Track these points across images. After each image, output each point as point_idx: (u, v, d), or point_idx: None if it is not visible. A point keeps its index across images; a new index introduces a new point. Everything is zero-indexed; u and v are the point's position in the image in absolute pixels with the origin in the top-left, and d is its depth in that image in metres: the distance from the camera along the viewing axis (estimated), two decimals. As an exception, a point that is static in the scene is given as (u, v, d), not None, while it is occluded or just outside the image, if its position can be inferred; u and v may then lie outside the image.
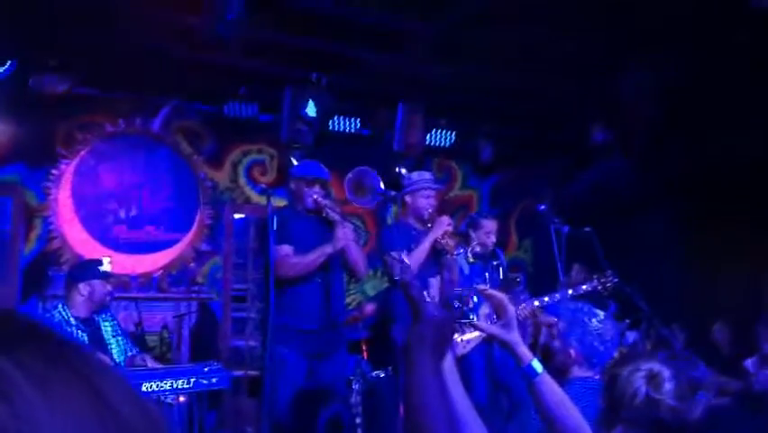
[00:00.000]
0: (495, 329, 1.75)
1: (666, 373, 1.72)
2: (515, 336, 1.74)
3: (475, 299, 1.76)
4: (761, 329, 5.31)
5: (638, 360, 1.80)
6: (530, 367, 1.72)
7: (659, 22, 4.75)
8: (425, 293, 1.53)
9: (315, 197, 4.09)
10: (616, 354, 2.50)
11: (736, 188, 6.00)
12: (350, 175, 3.92)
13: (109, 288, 3.91)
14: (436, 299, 4.00)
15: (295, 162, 6.36)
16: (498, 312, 1.75)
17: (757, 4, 4.08)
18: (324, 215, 4.12)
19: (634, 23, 4.81)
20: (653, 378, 1.69)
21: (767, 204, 5.67)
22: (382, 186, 4.09)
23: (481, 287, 1.80)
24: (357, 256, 4.18)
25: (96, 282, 3.87)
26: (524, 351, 1.74)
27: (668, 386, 1.69)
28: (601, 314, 2.60)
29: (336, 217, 4.07)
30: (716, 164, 5.98)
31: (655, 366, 1.74)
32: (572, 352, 2.56)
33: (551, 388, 1.71)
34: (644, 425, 1.65)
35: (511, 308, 1.76)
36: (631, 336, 4.85)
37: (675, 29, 4.85)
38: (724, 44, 4.92)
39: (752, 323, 5.46)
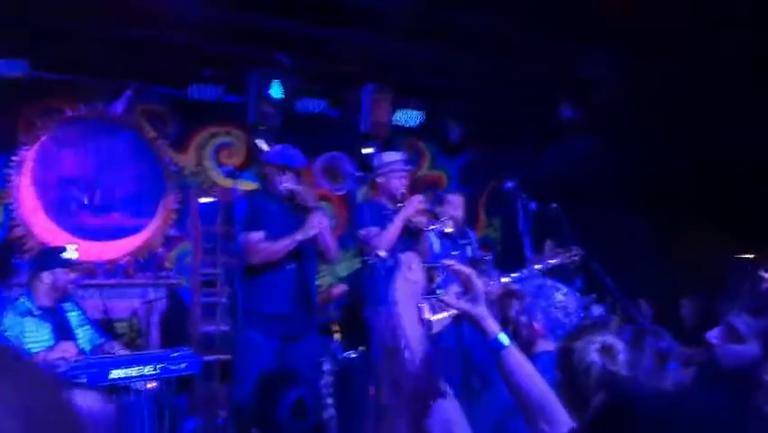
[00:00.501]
0: (462, 304, 1.76)
1: (620, 345, 1.74)
2: (482, 310, 1.75)
3: (442, 273, 1.77)
4: (724, 305, 5.43)
5: (592, 333, 1.81)
6: (497, 340, 1.73)
7: (624, 13, 4.79)
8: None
9: (286, 185, 4.06)
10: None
11: (701, 171, 6.10)
12: (320, 161, 3.89)
13: (72, 276, 3.84)
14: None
15: (264, 146, 6.32)
16: (466, 287, 1.75)
17: None
18: (295, 202, 4.09)
19: (599, 12, 4.83)
20: (607, 350, 1.71)
21: (734, 186, 5.78)
22: (352, 170, 4.09)
23: (448, 262, 1.79)
24: (330, 242, 4.17)
25: (59, 271, 3.80)
26: (491, 324, 1.75)
27: (622, 358, 1.71)
28: (564, 289, 2.63)
29: (311, 204, 4.05)
30: (683, 146, 6.07)
31: (608, 339, 1.76)
32: (537, 325, 2.60)
33: (518, 360, 1.72)
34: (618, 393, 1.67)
35: (478, 283, 1.76)
36: (597, 310, 4.92)
37: (640, 21, 4.90)
38: (693, 38, 4.99)
39: (716, 298, 5.58)
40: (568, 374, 1.76)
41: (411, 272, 1.65)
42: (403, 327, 1.57)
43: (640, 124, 6.36)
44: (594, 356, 1.71)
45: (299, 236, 3.99)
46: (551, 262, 4.74)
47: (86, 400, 3.16)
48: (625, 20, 4.95)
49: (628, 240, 6.68)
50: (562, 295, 2.60)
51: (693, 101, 5.77)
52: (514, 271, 5.03)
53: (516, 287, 5.14)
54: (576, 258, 4.61)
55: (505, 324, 5.54)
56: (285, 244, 3.99)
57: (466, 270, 1.77)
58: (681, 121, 5.96)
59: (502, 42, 5.58)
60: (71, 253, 3.93)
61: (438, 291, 1.78)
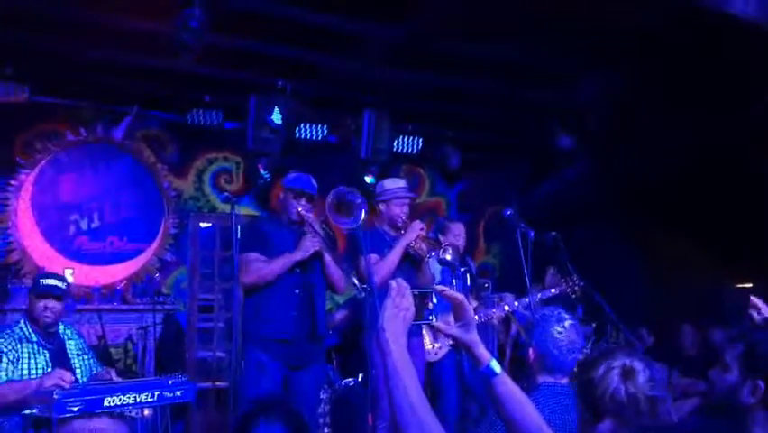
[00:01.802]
0: (454, 330, 1.74)
1: (638, 365, 1.71)
2: (473, 337, 1.73)
3: (435, 300, 1.75)
4: (716, 336, 5.43)
5: (608, 358, 1.78)
6: (488, 368, 1.71)
7: (613, 36, 4.86)
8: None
9: (300, 209, 4.10)
10: (580, 358, 2.51)
11: (691, 195, 6.11)
12: (330, 197, 3.89)
13: (42, 304, 3.77)
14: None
15: (262, 171, 6.34)
16: (457, 313, 1.74)
17: None
18: (305, 228, 4.11)
19: (590, 36, 4.89)
20: (627, 373, 1.68)
21: (724, 211, 5.79)
22: (361, 204, 4.07)
23: (440, 287, 1.77)
24: (334, 272, 4.19)
25: (32, 297, 3.77)
26: (482, 351, 1.73)
27: (642, 378, 1.68)
28: (568, 322, 2.61)
29: (315, 230, 4.07)
30: (670, 171, 6.10)
31: (626, 360, 1.73)
32: (531, 352, 2.60)
33: (509, 388, 1.70)
34: (630, 419, 1.64)
35: (470, 309, 1.75)
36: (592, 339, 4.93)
37: (628, 43, 4.96)
38: (677, 58, 5.04)
39: (712, 327, 5.58)
40: (590, 406, 1.72)
41: (400, 298, 1.63)
42: (391, 353, 1.55)
43: (635, 148, 6.40)
44: (616, 382, 1.67)
45: (297, 256, 4.00)
46: (552, 291, 4.75)
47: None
48: (620, 44, 5.01)
49: (624, 266, 6.67)
50: (560, 328, 2.58)
51: (689, 124, 5.81)
52: (516, 300, 5.05)
53: (517, 315, 5.15)
54: (577, 288, 4.61)
55: (502, 347, 5.53)
56: (281, 264, 4.00)
57: (458, 296, 1.75)
58: (677, 145, 5.99)
59: (500, 69, 5.62)
60: (51, 280, 3.86)
61: (430, 318, 1.76)
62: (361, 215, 3.73)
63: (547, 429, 1.66)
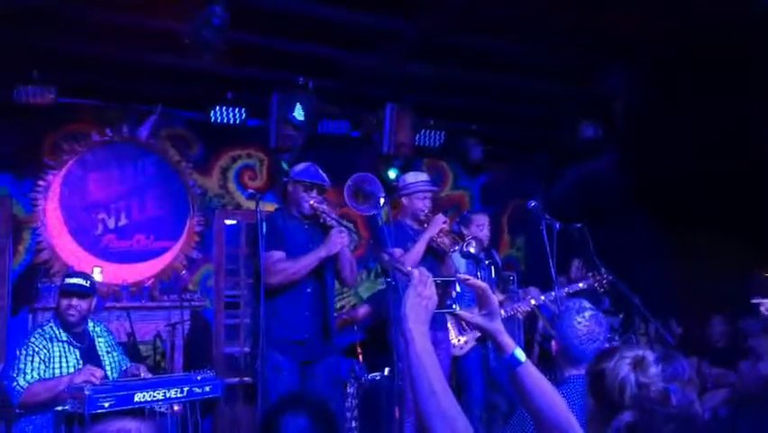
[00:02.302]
0: (477, 318, 1.73)
1: (651, 356, 1.67)
2: (497, 325, 1.72)
3: (458, 288, 1.75)
4: (746, 327, 5.37)
5: (620, 350, 1.76)
6: (512, 356, 1.69)
7: (636, 27, 4.79)
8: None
9: (312, 202, 4.04)
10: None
11: (720, 186, 6.02)
12: (349, 182, 3.88)
13: (67, 302, 3.82)
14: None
15: (285, 166, 6.35)
16: (481, 302, 1.73)
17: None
18: (321, 220, 4.07)
19: (612, 29, 4.83)
20: (638, 363, 1.65)
21: (753, 201, 5.70)
22: (383, 192, 4.04)
23: (464, 276, 1.77)
24: (348, 264, 4.14)
25: (59, 295, 3.83)
26: (506, 340, 1.71)
27: (654, 369, 1.65)
28: (588, 313, 2.59)
29: (333, 222, 4.03)
30: (699, 162, 6.01)
31: (639, 352, 1.69)
32: (554, 344, 2.59)
33: (535, 378, 1.68)
34: (647, 410, 1.61)
35: (493, 298, 1.74)
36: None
37: (654, 35, 4.89)
38: (702, 49, 4.96)
39: (741, 317, 5.51)
40: (600, 398, 1.70)
41: (422, 287, 1.63)
42: (413, 341, 1.55)
43: (660, 139, 6.31)
44: (626, 371, 1.64)
45: (322, 253, 3.96)
46: (579, 285, 4.72)
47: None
48: (642, 35, 4.94)
49: (650, 258, 6.60)
50: (581, 318, 2.57)
51: (716, 114, 5.72)
52: (542, 293, 5.03)
53: (542, 309, 5.13)
54: (604, 281, 4.57)
55: (531, 344, 5.50)
56: (308, 262, 3.95)
57: (482, 284, 1.74)
58: (703, 135, 5.91)
59: (521, 61, 5.58)
60: (96, 276, 3.93)
61: (453, 306, 1.76)
62: (379, 201, 3.71)
63: (575, 420, 1.65)
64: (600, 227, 4.85)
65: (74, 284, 3.86)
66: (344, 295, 7.26)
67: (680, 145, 6.15)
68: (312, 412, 2.02)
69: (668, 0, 4.42)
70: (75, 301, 3.80)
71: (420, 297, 1.62)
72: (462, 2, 4.61)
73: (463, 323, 4.54)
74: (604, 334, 2.61)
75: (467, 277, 1.76)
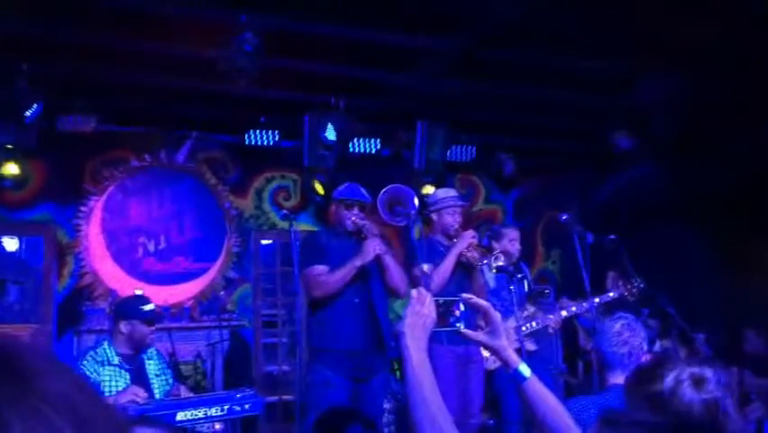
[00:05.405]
0: (481, 336, 1.79)
1: (708, 372, 1.64)
2: (501, 342, 1.77)
3: (462, 307, 1.79)
4: None
5: (673, 367, 1.69)
6: (517, 372, 1.74)
7: (677, 40, 4.75)
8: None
9: (354, 219, 4.14)
10: (643, 358, 2.49)
11: (761, 197, 5.92)
12: (383, 195, 3.95)
13: (149, 329, 3.91)
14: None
15: (319, 188, 6.44)
16: (484, 320, 1.78)
17: None
18: (363, 235, 4.14)
19: (651, 39, 4.80)
20: (699, 383, 1.62)
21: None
22: (416, 202, 4.11)
23: (466, 295, 1.82)
24: (393, 272, 4.18)
25: (137, 322, 3.89)
26: (510, 355, 1.76)
27: (713, 386, 1.62)
28: (622, 321, 2.61)
29: (373, 234, 4.10)
30: (741, 173, 5.92)
31: (695, 370, 1.66)
32: (593, 355, 2.61)
33: (540, 392, 1.72)
34: (718, 425, 1.59)
35: (496, 316, 1.78)
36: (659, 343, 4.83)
37: (694, 46, 4.84)
38: (746, 58, 4.90)
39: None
40: (670, 420, 1.66)
41: (420, 306, 1.69)
42: (410, 357, 1.62)
43: (703, 151, 6.23)
44: (689, 393, 1.61)
45: (358, 262, 4.01)
46: (611, 295, 4.69)
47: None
48: (682, 43, 4.90)
49: (688, 269, 6.50)
50: (619, 327, 2.58)
51: (755, 122, 5.63)
52: (574, 305, 5.00)
53: (578, 320, 5.09)
54: (636, 290, 4.54)
55: (573, 355, 5.45)
56: (345, 273, 4.00)
57: (483, 303, 1.80)
58: (743, 143, 5.82)
59: (555, 71, 5.58)
60: (150, 306, 4.00)
61: (457, 324, 1.80)
62: (410, 214, 3.75)
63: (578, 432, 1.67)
64: (637, 237, 4.82)
65: (154, 311, 3.97)
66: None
67: (723, 156, 6.06)
68: (365, 425, 2.07)
69: (715, 8, 4.38)
70: (149, 328, 3.91)
71: (418, 315, 1.68)
72: (499, 18, 4.63)
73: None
74: (639, 341, 2.62)
75: (470, 296, 1.81)
